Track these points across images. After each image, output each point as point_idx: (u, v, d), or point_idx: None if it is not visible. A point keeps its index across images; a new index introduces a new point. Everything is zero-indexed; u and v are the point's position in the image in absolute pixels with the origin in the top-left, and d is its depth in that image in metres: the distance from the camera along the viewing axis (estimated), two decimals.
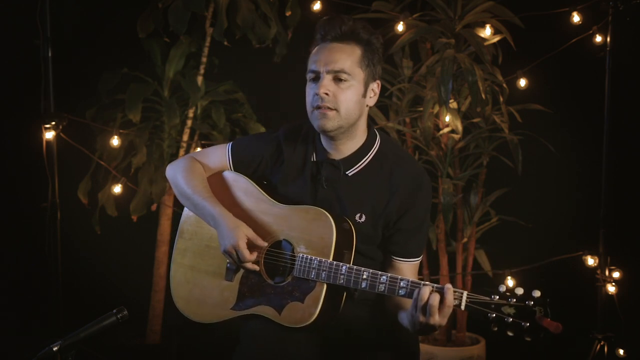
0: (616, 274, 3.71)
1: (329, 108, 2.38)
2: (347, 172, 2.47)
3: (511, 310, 2.11)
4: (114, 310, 2.18)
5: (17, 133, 4.15)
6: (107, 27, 4.42)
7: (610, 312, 3.70)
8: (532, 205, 4.27)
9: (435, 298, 2.15)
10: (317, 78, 2.40)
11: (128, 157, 4.23)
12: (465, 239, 4.14)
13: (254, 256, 2.42)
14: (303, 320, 2.35)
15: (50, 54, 3.69)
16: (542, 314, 2.09)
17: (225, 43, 4.02)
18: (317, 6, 4.08)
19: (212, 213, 2.47)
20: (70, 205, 4.03)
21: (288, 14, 4.13)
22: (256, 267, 2.44)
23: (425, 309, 2.16)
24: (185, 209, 2.63)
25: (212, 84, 4.38)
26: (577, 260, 3.82)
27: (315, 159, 2.50)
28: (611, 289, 3.68)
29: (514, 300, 2.11)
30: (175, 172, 2.60)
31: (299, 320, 2.36)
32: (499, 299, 2.12)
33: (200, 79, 4.26)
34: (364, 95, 2.43)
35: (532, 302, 2.10)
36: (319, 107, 2.38)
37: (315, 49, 2.44)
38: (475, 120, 4.03)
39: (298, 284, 2.38)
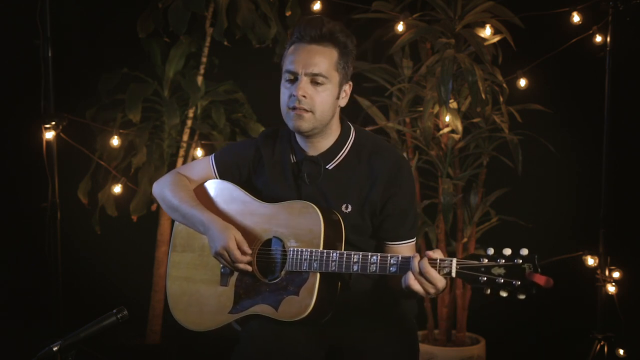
0: (616, 274, 3.71)
1: (305, 110, 2.43)
2: (327, 167, 2.51)
3: (501, 271, 2.13)
4: (114, 310, 2.19)
5: (17, 133, 4.15)
6: (107, 27, 4.42)
7: (610, 312, 3.70)
8: (532, 205, 4.27)
9: (426, 264, 2.21)
10: (294, 79, 2.46)
11: (128, 157, 4.23)
12: (465, 239, 4.14)
13: (245, 256, 2.45)
14: (300, 312, 2.37)
15: (50, 54, 3.68)
16: (532, 270, 2.10)
17: (225, 43, 4.02)
18: (317, 6, 4.08)
19: (202, 219, 2.52)
20: (70, 205, 4.03)
21: (288, 14, 4.13)
22: (249, 268, 2.47)
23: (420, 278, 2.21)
24: (176, 222, 2.67)
25: (212, 84, 4.38)
26: (577, 260, 3.82)
27: (295, 160, 2.56)
28: (611, 289, 3.68)
29: (503, 260, 2.14)
30: (161, 188, 2.66)
31: (296, 313, 2.38)
32: (487, 261, 2.14)
33: (200, 79, 4.26)
34: (337, 97, 2.50)
35: (521, 260, 2.12)
36: (294, 108, 2.44)
37: (292, 47, 2.48)
38: (475, 120, 4.03)
39: (292, 278, 2.41)
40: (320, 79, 2.43)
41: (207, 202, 2.61)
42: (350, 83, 2.54)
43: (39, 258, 3.79)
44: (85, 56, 4.36)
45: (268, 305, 2.43)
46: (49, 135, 3.72)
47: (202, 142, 4.19)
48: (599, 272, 3.72)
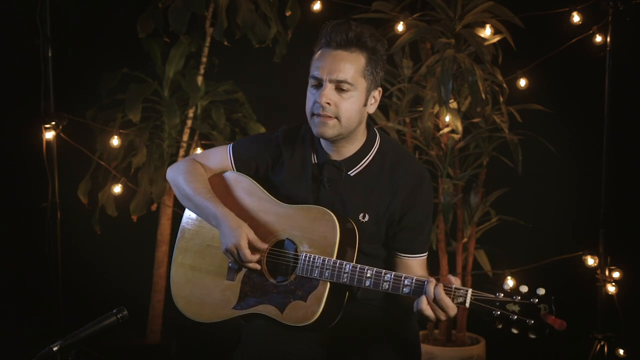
0: (616, 274, 3.71)
1: (329, 116, 2.38)
2: (348, 173, 2.47)
3: (516, 308, 2.12)
4: (114, 310, 2.18)
5: (17, 133, 4.15)
6: (107, 27, 4.43)
7: (610, 312, 3.70)
8: (532, 205, 4.27)
9: (441, 292, 2.18)
10: (319, 85, 2.40)
11: (128, 157, 4.23)
12: (465, 239, 4.14)
13: (255, 256, 2.42)
14: (305, 319, 2.35)
15: (50, 54, 3.68)
16: (547, 311, 2.11)
17: (225, 43, 4.02)
18: (317, 6, 4.08)
19: (215, 213, 2.47)
20: (70, 205, 4.03)
21: (288, 14, 4.13)
22: (258, 267, 2.44)
23: (434, 304, 2.20)
24: (187, 209, 2.63)
25: (212, 84, 4.38)
26: (577, 260, 3.82)
27: (316, 161, 2.51)
28: (611, 289, 3.68)
29: (519, 297, 2.13)
30: (175, 174, 2.60)
31: (302, 319, 2.36)
32: (503, 296, 2.13)
33: (200, 79, 4.26)
34: (365, 104, 2.44)
35: (537, 300, 2.12)
36: (319, 115, 2.39)
37: (319, 52, 2.42)
38: (475, 120, 4.03)
39: (301, 283, 2.39)
40: (345, 86, 2.37)
41: (222, 193, 2.55)
42: (380, 89, 2.47)
43: (39, 258, 3.79)
44: (85, 56, 4.36)
45: (273, 307, 2.41)
46: (49, 135, 3.73)
47: (202, 142, 4.19)
48: (599, 272, 3.72)
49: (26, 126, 3.91)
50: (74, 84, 4.24)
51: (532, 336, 2.11)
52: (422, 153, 4.10)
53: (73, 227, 4.03)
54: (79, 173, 4.24)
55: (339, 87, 2.37)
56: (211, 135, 4.30)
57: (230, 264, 2.51)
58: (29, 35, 3.73)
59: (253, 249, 2.42)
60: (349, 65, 2.37)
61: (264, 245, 2.44)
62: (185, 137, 4.28)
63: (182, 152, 4.29)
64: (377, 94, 2.47)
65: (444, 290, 2.19)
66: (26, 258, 4.36)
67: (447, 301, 2.18)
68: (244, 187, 2.55)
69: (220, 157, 2.62)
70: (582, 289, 3.85)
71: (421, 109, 3.95)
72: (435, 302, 2.19)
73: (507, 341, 4.31)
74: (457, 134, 3.94)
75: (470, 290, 2.17)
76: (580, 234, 4.01)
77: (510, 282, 2.17)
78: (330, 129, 2.39)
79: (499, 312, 2.12)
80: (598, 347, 3.64)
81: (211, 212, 2.48)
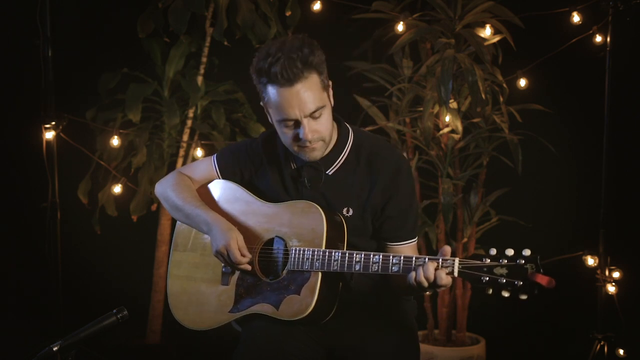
0: (616, 274, 3.71)
1: (316, 142, 2.40)
2: (327, 172, 2.50)
3: (503, 271, 2.13)
4: (114, 310, 2.19)
5: (17, 133, 4.15)
6: (107, 27, 4.42)
7: (610, 312, 3.70)
8: (532, 205, 4.27)
9: (429, 267, 2.21)
10: (296, 124, 2.38)
11: (128, 157, 4.23)
12: (465, 239, 4.14)
13: (245, 257, 2.45)
14: (301, 311, 2.37)
15: (50, 54, 3.68)
16: (534, 270, 2.10)
17: (225, 43, 4.02)
18: (317, 6, 4.08)
19: (206, 219, 2.51)
20: (70, 205, 4.03)
21: (288, 14, 4.13)
22: (249, 267, 2.47)
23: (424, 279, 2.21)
24: (178, 222, 2.67)
25: (212, 84, 4.38)
26: (577, 260, 3.82)
27: (295, 166, 2.54)
28: (611, 289, 3.68)
29: (505, 260, 2.13)
30: (164, 188, 2.65)
31: (297, 312, 2.38)
32: (490, 261, 2.14)
33: (200, 79, 4.26)
34: (332, 106, 2.46)
35: (523, 261, 2.12)
36: (306, 146, 2.40)
37: (274, 92, 2.35)
38: (475, 120, 4.02)
39: (293, 277, 2.41)
40: (318, 112, 2.37)
41: (210, 202, 2.60)
42: (330, 82, 2.45)
43: (39, 258, 3.79)
44: (85, 56, 4.36)
45: (269, 305, 2.43)
46: (49, 135, 3.72)
47: (202, 142, 4.19)
48: (599, 272, 3.72)
49: (26, 126, 3.91)
50: (74, 84, 4.24)
51: (523, 297, 2.11)
52: (422, 153, 4.10)
53: (73, 227, 4.03)
54: (79, 173, 4.24)
55: (314, 116, 2.38)
56: (211, 135, 4.30)
57: (223, 269, 2.54)
58: (29, 35, 3.73)
59: (243, 253, 2.45)
60: (311, 92, 2.35)
61: (254, 247, 2.48)
62: (185, 137, 4.28)
63: (182, 152, 4.29)
64: (330, 85, 2.46)
65: (431, 261, 2.21)
66: (26, 258, 4.36)
67: (435, 273, 2.20)
68: (231, 193, 2.60)
69: (206, 167, 2.67)
70: (582, 289, 3.85)
71: (421, 109, 3.95)
72: (425, 277, 2.21)
73: (507, 341, 4.33)
74: (457, 134, 3.94)
75: (457, 260, 2.19)
76: (580, 234, 4.01)
77: (495, 249, 2.18)
78: (319, 150, 2.44)
79: (487, 278, 2.14)
80: (598, 347, 3.64)
81: (202, 219, 2.52)
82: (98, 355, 3.83)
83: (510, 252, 2.14)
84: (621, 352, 3.70)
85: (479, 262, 2.16)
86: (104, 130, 4.15)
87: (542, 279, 2.09)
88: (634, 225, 4.07)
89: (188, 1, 3.90)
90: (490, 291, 2.14)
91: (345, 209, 2.48)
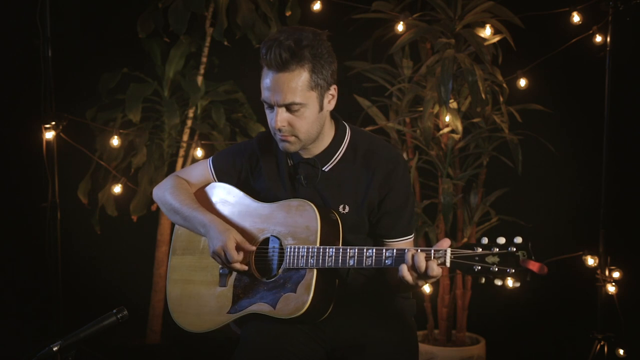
0: (616, 274, 3.71)
1: (287, 136, 2.41)
2: (322, 168, 2.50)
3: (495, 259, 2.13)
4: (114, 310, 2.19)
5: (17, 133, 4.15)
6: (107, 27, 4.43)
7: (610, 312, 3.70)
8: (532, 205, 4.27)
9: (421, 258, 2.20)
10: (271, 107, 2.40)
11: (128, 157, 4.23)
12: (465, 239, 4.14)
13: (241, 256, 2.46)
14: (297, 309, 2.37)
15: (50, 54, 3.69)
16: (525, 257, 2.09)
17: (225, 43, 4.02)
18: (317, 6, 4.08)
19: (203, 221, 2.52)
20: (70, 205, 4.03)
21: (288, 14, 4.13)
22: (245, 267, 2.48)
23: (415, 269, 2.21)
24: (176, 226, 2.68)
25: (212, 84, 4.38)
26: (577, 260, 3.82)
27: (291, 163, 2.55)
28: (611, 289, 3.68)
29: (497, 249, 2.13)
30: (162, 191, 2.66)
31: (293, 310, 2.38)
32: (481, 250, 2.14)
33: (200, 79, 4.27)
34: (322, 109, 2.43)
35: (515, 248, 2.11)
36: (275, 133, 2.42)
37: (264, 71, 2.38)
38: (475, 120, 4.03)
39: (289, 275, 2.42)
40: (295, 107, 2.36)
41: (207, 204, 2.62)
42: (335, 86, 2.44)
43: (39, 258, 3.79)
44: (85, 56, 4.36)
45: (266, 304, 2.44)
46: (49, 135, 3.73)
47: (202, 142, 4.19)
48: (599, 272, 3.72)
49: (26, 126, 3.92)
50: (74, 84, 4.25)
51: (516, 284, 2.11)
52: (422, 153, 4.10)
53: (73, 227, 4.04)
54: (79, 173, 4.25)
55: (290, 109, 2.37)
56: (211, 135, 4.30)
57: (220, 271, 2.55)
58: (29, 35, 3.73)
59: (242, 248, 2.46)
60: (293, 86, 2.34)
61: (250, 247, 2.48)
62: (185, 137, 4.28)
63: (182, 152, 4.29)
64: (333, 91, 2.44)
65: (423, 252, 2.21)
66: (26, 258, 4.36)
67: (425, 264, 2.19)
68: (227, 195, 2.61)
69: (202, 170, 2.68)
70: (582, 289, 3.85)
71: (421, 109, 3.95)
72: (415, 268, 2.21)
73: (507, 341, 4.33)
74: (457, 134, 3.94)
75: (449, 250, 2.19)
76: (580, 234, 4.01)
77: (487, 238, 2.17)
78: (292, 145, 2.43)
79: (479, 267, 2.13)
80: (598, 347, 3.64)
81: (199, 221, 2.53)
82: (98, 355, 3.84)
83: (501, 240, 2.13)
84: (621, 352, 3.70)
85: (470, 251, 2.15)
86: (104, 130, 4.15)
87: (534, 265, 2.08)
88: (634, 225, 4.07)
89: (188, 1, 3.90)
90: (483, 280, 2.14)
91: (341, 206, 2.48)
